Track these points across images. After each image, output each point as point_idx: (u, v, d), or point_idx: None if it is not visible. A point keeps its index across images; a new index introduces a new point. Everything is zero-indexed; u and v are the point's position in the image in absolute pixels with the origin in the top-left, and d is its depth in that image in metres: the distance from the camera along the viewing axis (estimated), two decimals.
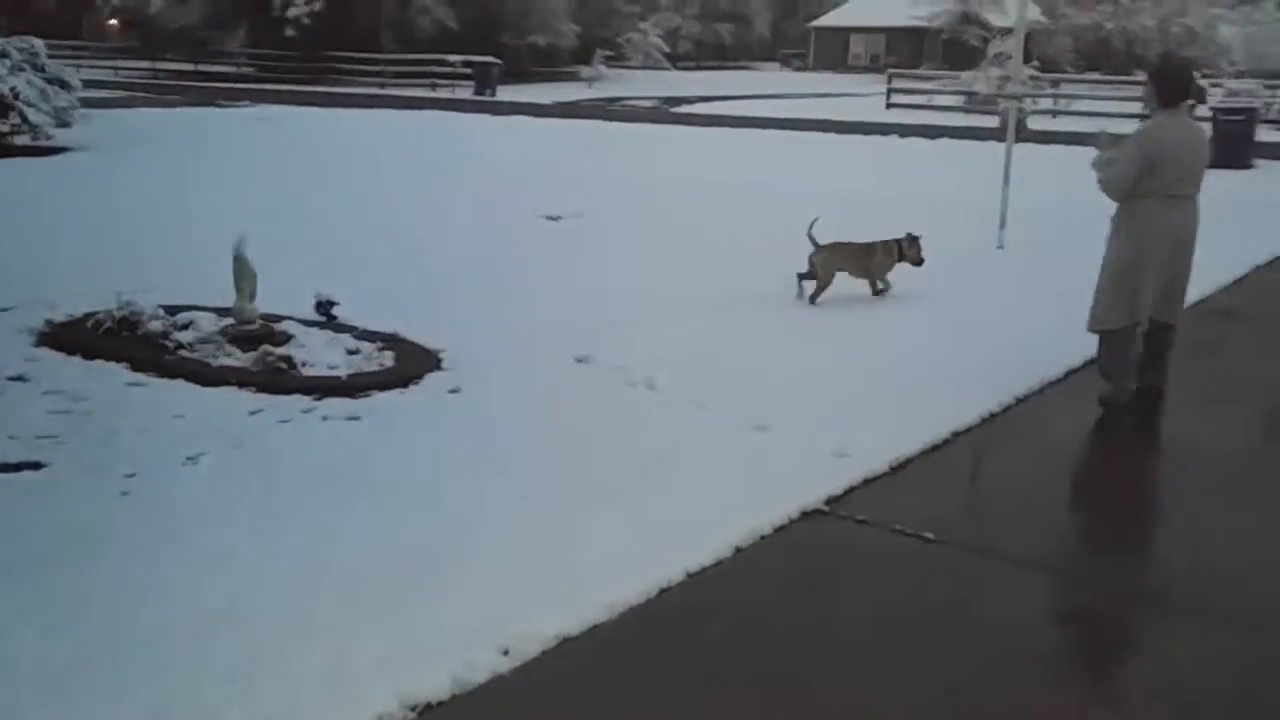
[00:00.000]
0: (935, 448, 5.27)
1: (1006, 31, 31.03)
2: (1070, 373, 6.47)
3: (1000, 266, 9.54)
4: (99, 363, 6.11)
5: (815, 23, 65.12)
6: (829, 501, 4.58)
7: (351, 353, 6.43)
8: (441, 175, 15.02)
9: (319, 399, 5.69)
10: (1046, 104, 28.55)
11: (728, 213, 12.10)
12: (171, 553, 3.98)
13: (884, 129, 23.43)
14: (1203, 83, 22.65)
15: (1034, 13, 42.74)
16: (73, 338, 6.48)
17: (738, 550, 4.12)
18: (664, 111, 30.62)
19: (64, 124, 16.66)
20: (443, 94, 34.15)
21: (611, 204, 12.61)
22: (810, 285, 8.15)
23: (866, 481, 4.81)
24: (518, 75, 39.16)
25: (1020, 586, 4.07)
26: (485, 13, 40.72)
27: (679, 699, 3.26)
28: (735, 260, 9.40)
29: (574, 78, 44.23)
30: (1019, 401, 5.99)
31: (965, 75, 30.88)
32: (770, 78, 53.13)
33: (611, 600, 3.66)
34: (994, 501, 5.02)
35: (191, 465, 4.81)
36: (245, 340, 6.33)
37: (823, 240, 8.09)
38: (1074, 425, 5.89)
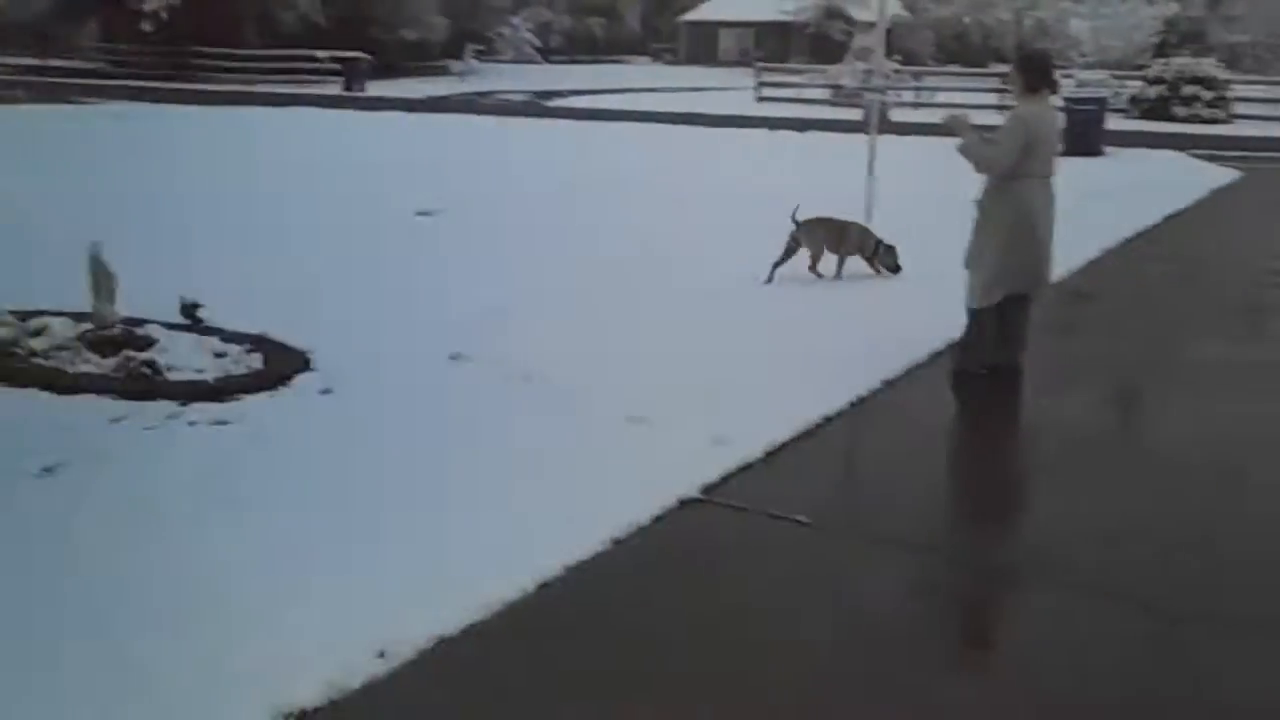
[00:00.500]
0: (809, 432, 5.37)
1: (870, 26, 31.72)
2: (935, 355, 6.66)
3: None
4: None
5: (685, 17, 65.60)
6: (706, 490, 4.63)
7: (219, 355, 6.24)
8: (310, 172, 14.69)
9: (185, 404, 5.51)
10: (909, 96, 29.30)
11: (601, 208, 12.12)
12: (27, 569, 3.82)
13: (755, 122, 23.76)
14: (1056, 74, 23.50)
15: (895, 7, 43.80)
16: None
17: (616, 542, 4.13)
18: (537, 105, 30.52)
19: None
20: (311, 90, 33.36)
21: (484, 199, 12.51)
22: (786, 269, 8.51)
23: (743, 468, 4.87)
24: (388, 70, 38.51)
25: (891, 565, 4.18)
26: (353, 7, 39.90)
27: (559, 695, 3.26)
28: (609, 255, 9.42)
29: (445, 72, 43.76)
30: (887, 385, 6.15)
31: (831, 69, 31.53)
32: (642, 71, 53.36)
33: (488, 598, 3.64)
34: (865, 483, 5.15)
35: (48, 477, 4.62)
36: (105, 345, 6.08)
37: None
38: (940, 406, 6.09)
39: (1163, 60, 29.34)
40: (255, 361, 6.22)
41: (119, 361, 5.90)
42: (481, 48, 47.92)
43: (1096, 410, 6.12)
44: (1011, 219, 6.13)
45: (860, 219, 10.44)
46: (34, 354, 6.02)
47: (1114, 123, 20.64)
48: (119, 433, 5.16)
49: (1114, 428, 5.98)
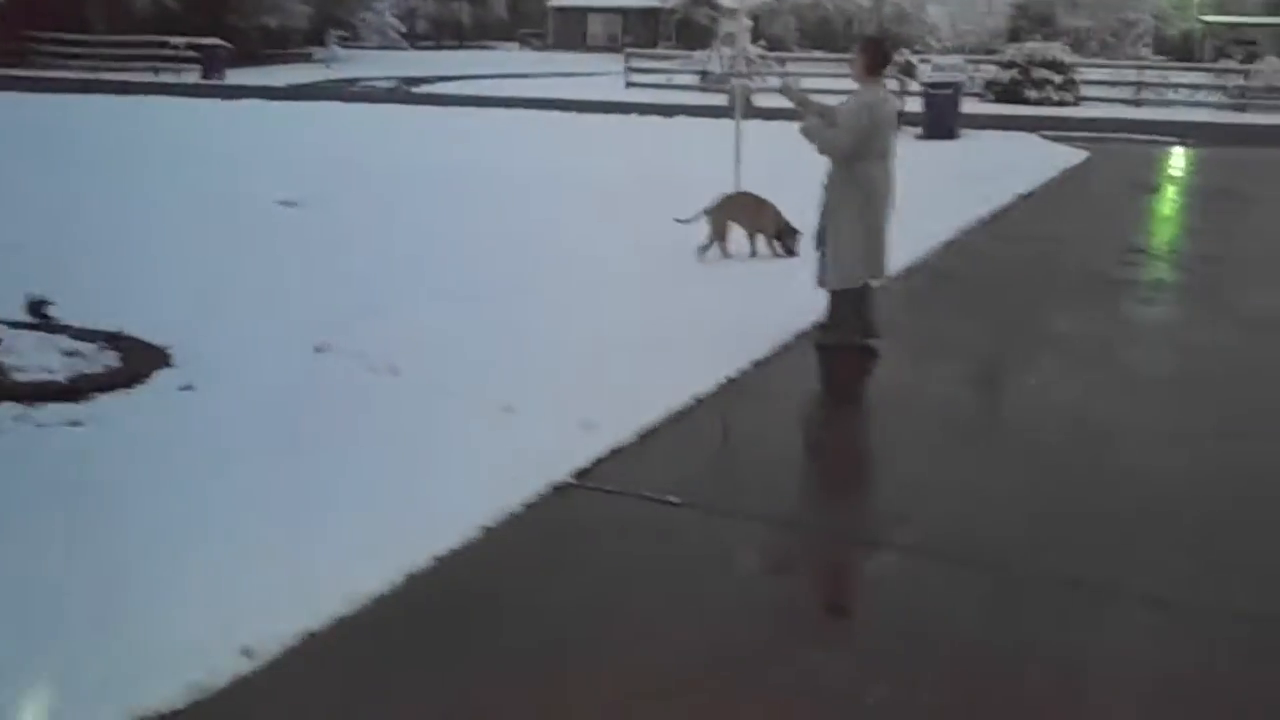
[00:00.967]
0: (679, 414, 5.43)
1: (734, 12, 32.04)
2: (801, 335, 6.80)
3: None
4: None
5: (553, 2, 65.27)
6: (577, 475, 4.65)
7: (69, 354, 5.99)
8: (167, 163, 14.18)
9: (33, 405, 5.29)
10: (774, 81, 29.69)
11: (467, 197, 11.99)
12: None
13: (624, 108, 23.80)
14: (913, 59, 24.14)
15: None
16: None
17: (487, 530, 4.12)
18: (403, 92, 30.01)
19: None
20: (167, 78, 32.16)
21: (349, 188, 12.25)
22: (715, 250, 8.69)
23: (613, 452, 4.91)
24: (248, 58, 37.30)
25: (760, 542, 4.27)
26: None
27: (432, 684, 3.24)
28: (475, 246, 9.33)
29: (308, 59, 42.62)
30: (755, 365, 6.26)
31: (698, 55, 31.74)
32: (510, 57, 52.96)
33: (355, 592, 3.60)
34: (734, 462, 5.24)
35: None
36: None
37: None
38: (805, 385, 6.23)
39: (1015, 45, 30.38)
40: (111, 359, 5.99)
41: None
42: (346, 34, 46.85)
43: (954, 385, 6.33)
44: (860, 200, 6.32)
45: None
46: None
47: (969, 106, 21.26)
48: None
49: (971, 401, 6.20)
